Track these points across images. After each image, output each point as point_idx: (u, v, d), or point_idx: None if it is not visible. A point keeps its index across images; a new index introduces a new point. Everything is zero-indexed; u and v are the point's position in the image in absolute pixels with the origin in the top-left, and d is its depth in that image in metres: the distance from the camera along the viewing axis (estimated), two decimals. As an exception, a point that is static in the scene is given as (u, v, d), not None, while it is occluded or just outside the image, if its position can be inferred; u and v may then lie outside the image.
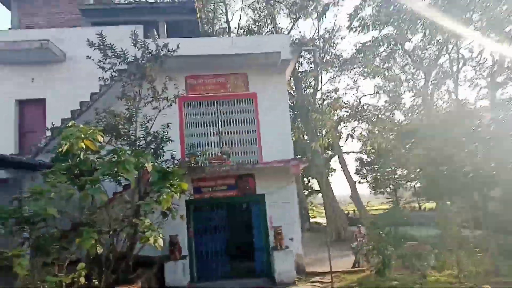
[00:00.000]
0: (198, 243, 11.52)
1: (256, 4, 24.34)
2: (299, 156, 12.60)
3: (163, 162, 9.02)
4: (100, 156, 7.00)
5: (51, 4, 13.96)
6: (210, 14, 23.51)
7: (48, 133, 9.94)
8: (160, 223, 8.33)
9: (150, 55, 9.28)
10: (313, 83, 27.13)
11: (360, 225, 13.77)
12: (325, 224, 29.59)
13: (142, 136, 8.89)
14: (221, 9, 25.15)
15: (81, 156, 6.27)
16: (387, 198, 42.53)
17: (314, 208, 42.43)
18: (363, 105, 15.49)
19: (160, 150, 8.89)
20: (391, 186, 39.62)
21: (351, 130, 16.56)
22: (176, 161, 9.28)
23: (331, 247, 19.74)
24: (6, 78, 11.73)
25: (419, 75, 22.19)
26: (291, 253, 10.59)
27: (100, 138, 6.42)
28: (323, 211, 40.92)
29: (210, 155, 11.26)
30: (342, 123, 15.66)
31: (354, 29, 16.10)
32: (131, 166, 6.40)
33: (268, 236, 11.39)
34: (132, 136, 8.62)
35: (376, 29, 16.04)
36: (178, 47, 9.59)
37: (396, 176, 39.62)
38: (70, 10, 13.83)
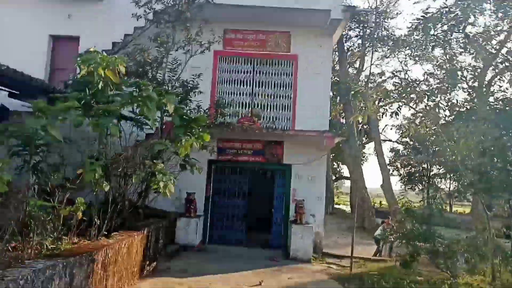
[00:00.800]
0: (215, 205, 11.04)
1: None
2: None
3: (189, 111, 8.42)
4: (121, 91, 6.47)
5: None
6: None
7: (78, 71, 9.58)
8: (177, 175, 7.87)
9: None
10: (357, 62, 25.67)
11: (389, 216, 12.79)
12: (349, 212, 28.70)
13: (169, 81, 8.29)
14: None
15: (100, 86, 5.71)
16: (418, 195, 40.91)
17: (339, 194, 41.32)
18: (415, 80, 13.98)
19: (187, 100, 8.27)
20: (424, 182, 37.83)
21: (397, 108, 15.22)
22: (202, 111, 8.64)
23: (351, 233, 19.00)
24: (42, 12, 11.41)
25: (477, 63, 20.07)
26: (311, 229, 9.88)
27: (123, 68, 5.82)
28: (348, 199, 40.01)
29: (240, 115, 10.58)
30: (386, 100, 14.40)
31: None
32: (153, 104, 5.81)
33: (289, 209, 10.73)
34: (159, 79, 8.03)
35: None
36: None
37: (431, 173, 37.86)
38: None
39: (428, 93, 10.34)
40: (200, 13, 8.71)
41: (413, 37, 16.89)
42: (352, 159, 19.35)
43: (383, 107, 15.61)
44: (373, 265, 10.22)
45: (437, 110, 10.12)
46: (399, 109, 10.52)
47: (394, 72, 21.88)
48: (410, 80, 12.74)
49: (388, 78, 22.86)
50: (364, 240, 17.10)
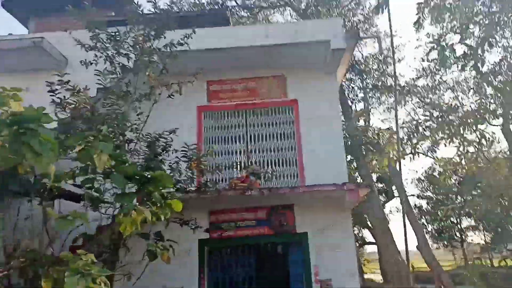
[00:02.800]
0: (214, 300, 8.38)
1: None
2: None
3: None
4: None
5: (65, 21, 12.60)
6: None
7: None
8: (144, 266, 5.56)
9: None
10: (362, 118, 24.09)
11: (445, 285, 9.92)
12: (381, 281, 24.88)
13: (133, 139, 6.28)
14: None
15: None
16: (450, 251, 36.63)
17: (365, 262, 37.27)
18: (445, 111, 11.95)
19: (155, 160, 6.16)
20: (456, 236, 34.01)
21: (414, 146, 12.91)
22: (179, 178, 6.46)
23: (394, 312, 15.55)
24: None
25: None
26: (348, 321, 7.13)
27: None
28: (375, 266, 35.78)
29: (234, 176, 8.42)
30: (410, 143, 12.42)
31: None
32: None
33: (312, 293, 8.04)
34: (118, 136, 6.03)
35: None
36: (193, 32, 7.23)
37: (462, 226, 34.25)
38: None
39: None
40: (175, 65, 7.01)
41: (422, 83, 15.37)
42: (378, 220, 16.66)
43: (414, 146, 13.43)
44: None
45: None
46: (434, 146, 8.37)
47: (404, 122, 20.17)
48: (441, 112, 10.81)
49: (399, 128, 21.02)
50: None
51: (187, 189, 6.09)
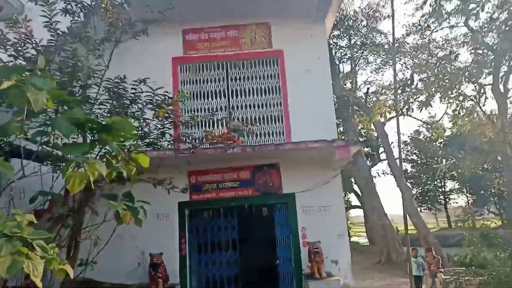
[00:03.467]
0: (195, 265, 7.87)
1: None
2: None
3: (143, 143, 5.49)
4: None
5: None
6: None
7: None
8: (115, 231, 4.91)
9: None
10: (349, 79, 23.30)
11: (431, 247, 9.62)
12: (368, 244, 25.14)
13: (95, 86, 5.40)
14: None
15: None
16: (434, 215, 37.38)
17: (350, 226, 37.76)
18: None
19: (122, 113, 5.33)
20: (440, 200, 34.58)
21: (424, 98, 12.26)
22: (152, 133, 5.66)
23: (380, 272, 15.54)
24: None
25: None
26: (337, 284, 6.69)
27: None
28: (361, 230, 36.22)
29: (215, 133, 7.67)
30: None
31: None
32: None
33: (299, 256, 7.58)
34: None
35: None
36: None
37: (446, 189, 34.74)
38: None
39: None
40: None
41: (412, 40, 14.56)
42: (364, 182, 16.33)
43: (410, 101, 12.78)
44: None
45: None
46: (429, 100, 7.75)
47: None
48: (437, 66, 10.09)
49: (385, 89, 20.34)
50: (395, 278, 13.79)
51: (158, 144, 5.33)
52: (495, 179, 30.10)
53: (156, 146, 5.29)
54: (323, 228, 7.58)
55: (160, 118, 5.08)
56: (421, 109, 8.30)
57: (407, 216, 15.35)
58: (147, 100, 5.01)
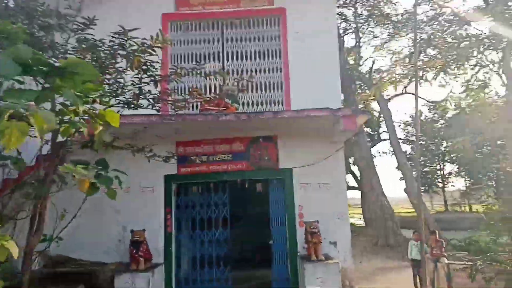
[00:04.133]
0: (182, 243, 7.23)
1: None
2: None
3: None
4: None
5: None
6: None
7: None
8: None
9: None
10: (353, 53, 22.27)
11: (435, 230, 9.02)
12: (364, 226, 24.71)
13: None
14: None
15: None
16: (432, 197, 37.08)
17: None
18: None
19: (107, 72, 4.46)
20: (438, 182, 34.13)
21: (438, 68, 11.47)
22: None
23: (376, 254, 15.11)
24: None
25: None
26: (335, 268, 6.06)
27: None
28: (357, 212, 35.86)
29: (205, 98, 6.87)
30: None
31: None
32: None
33: (295, 236, 6.96)
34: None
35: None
36: None
37: (444, 172, 34.29)
38: None
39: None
40: None
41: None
42: (365, 162, 15.67)
43: (425, 67, 11.87)
44: None
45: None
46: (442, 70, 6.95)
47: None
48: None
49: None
50: (392, 261, 13.35)
51: (136, 104, 4.52)
52: (494, 164, 29.63)
53: (133, 107, 4.50)
54: (322, 207, 6.92)
55: (136, 70, 4.26)
56: (436, 77, 7.61)
57: (408, 196, 14.85)
58: (118, 47, 4.13)
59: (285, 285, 6.95)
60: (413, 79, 8.92)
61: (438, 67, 7.25)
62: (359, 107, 19.75)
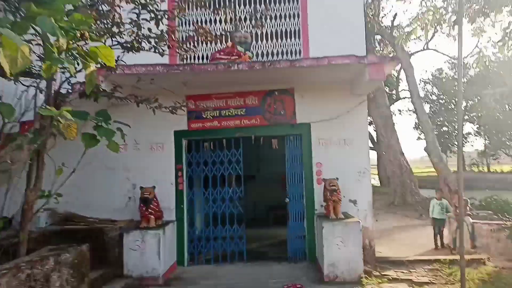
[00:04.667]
0: (194, 201, 6.98)
1: None
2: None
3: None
4: None
5: None
6: None
7: None
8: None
9: None
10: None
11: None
12: (379, 186, 24.45)
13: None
14: None
15: None
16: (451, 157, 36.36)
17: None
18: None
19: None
20: (456, 143, 33.23)
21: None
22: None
23: (394, 213, 14.85)
24: None
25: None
26: (356, 226, 5.71)
27: None
28: (373, 171, 35.62)
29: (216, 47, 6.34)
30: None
31: None
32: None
33: (313, 194, 6.62)
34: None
35: None
36: None
37: (464, 132, 33.25)
38: None
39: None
40: None
41: None
42: (383, 120, 15.02)
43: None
44: (472, 272, 5.91)
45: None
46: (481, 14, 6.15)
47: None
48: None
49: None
50: (410, 219, 13.05)
51: (136, 45, 4.01)
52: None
53: (132, 49, 4.01)
54: (341, 164, 6.51)
55: (133, 3, 3.72)
56: (474, 21, 6.76)
57: (429, 155, 14.29)
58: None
59: (300, 244, 6.71)
60: (451, 24, 8.06)
61: (476, 9, 6.44)
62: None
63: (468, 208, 8.26)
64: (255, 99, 6.73)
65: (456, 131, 33.34)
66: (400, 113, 30.52)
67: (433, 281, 5.48)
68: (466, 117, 31.44)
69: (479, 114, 29.36)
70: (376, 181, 26.67)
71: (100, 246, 5.74)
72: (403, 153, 15.13)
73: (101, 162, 6.73)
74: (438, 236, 8.32)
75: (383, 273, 5.94)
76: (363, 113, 6.59)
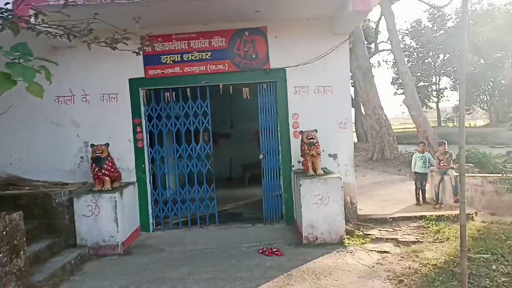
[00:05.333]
0: (156, 160, 6.19)
1: None
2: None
3: None
4: None
5: None
6: None
7: None
8: None
9: None
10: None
11: (444, 141, 8.06)
12: (355, 141, 24.27)
13: None
14: None
15: None
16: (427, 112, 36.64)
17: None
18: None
19: None
20: (433, 97, 33.28)
21: None
22: None
23: (372, 169, 14.61)
24: None
25: None
26: (337, 183, 5.12)
27: None
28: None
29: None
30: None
31: None
32: None
33: (289, 149, 5.96)
34: None
35: None
36: None
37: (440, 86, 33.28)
38: None
39: None
40: None
41: None
42: (361, 72, 14.31)
43: None
44: (459, 228, 5.51)
45: None
46: None
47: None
48: None
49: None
50: (389, 175, 12.80)
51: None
52: (492, 76, 28.56)
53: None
54: (321, 114, 5.83)
55: None
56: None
57: (408, 108, 13.84)
58: None
59: (277, 203, 6.14)
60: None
61: None
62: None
63: (451, 161, 7.86)
64: (222, 41, 5.83)
65: (434, 85, 33.24)
66: (379, 65, 29.93)
67: (420, 240, 5.04)
68: (442, 71, 31.27)
69: (455, 68, 29.17)
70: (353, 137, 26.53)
71: (48, 213, 5.00)
72: (382, 108, 14.62)
73: (45, 116, 5.81)
74: (420, 190, 7.96)
75: (366, 233, 5.46)
76: (345, 56, 5.82)
